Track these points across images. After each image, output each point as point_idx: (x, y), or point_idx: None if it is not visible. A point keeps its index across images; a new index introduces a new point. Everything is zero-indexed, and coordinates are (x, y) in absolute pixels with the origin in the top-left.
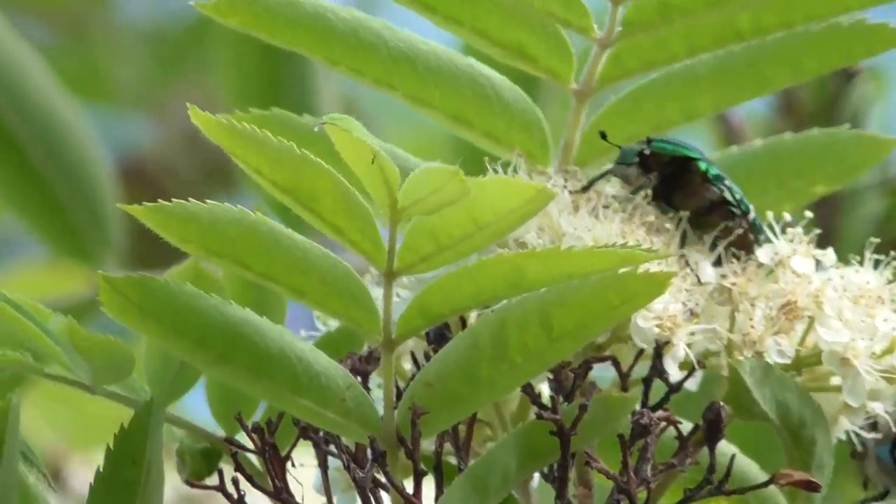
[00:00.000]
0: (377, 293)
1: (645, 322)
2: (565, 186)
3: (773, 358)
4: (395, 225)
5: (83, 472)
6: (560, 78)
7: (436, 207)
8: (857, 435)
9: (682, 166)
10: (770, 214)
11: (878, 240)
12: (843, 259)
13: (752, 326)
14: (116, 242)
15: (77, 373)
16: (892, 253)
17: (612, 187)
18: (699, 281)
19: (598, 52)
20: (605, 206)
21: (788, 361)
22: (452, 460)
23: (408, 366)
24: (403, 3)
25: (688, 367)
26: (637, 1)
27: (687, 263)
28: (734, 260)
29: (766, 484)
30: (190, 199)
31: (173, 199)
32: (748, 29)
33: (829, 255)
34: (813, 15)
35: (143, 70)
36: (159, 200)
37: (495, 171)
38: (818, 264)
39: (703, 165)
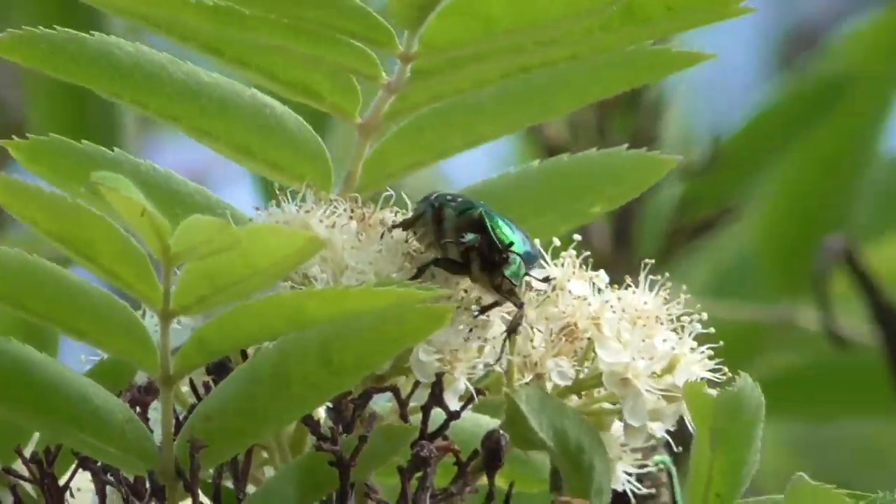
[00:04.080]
0: (154, 328)
1: (426, 356)
2: (351, 217)
3: (554, 380)
4: (168, 269)
5: None
6: (345, 113)
7: (207, 255)
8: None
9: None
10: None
11: (652, 260)
12: (638, 248)
13: (533, 348)
14: None
15: None
16: (667, 274)
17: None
18: (481, 313)
19: (386, 95)
20: (389, 239)
21: (570, 383)
22: (230, 484)
23: (185, 388)
24: (194, 47)
25: (468, 397)
26: (427, 58)
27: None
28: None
29: None
30: None
31: None
32: (536, 63)
33: (601, 276)
34: (601, 48)
35: None
36: None
37: (283, 200)
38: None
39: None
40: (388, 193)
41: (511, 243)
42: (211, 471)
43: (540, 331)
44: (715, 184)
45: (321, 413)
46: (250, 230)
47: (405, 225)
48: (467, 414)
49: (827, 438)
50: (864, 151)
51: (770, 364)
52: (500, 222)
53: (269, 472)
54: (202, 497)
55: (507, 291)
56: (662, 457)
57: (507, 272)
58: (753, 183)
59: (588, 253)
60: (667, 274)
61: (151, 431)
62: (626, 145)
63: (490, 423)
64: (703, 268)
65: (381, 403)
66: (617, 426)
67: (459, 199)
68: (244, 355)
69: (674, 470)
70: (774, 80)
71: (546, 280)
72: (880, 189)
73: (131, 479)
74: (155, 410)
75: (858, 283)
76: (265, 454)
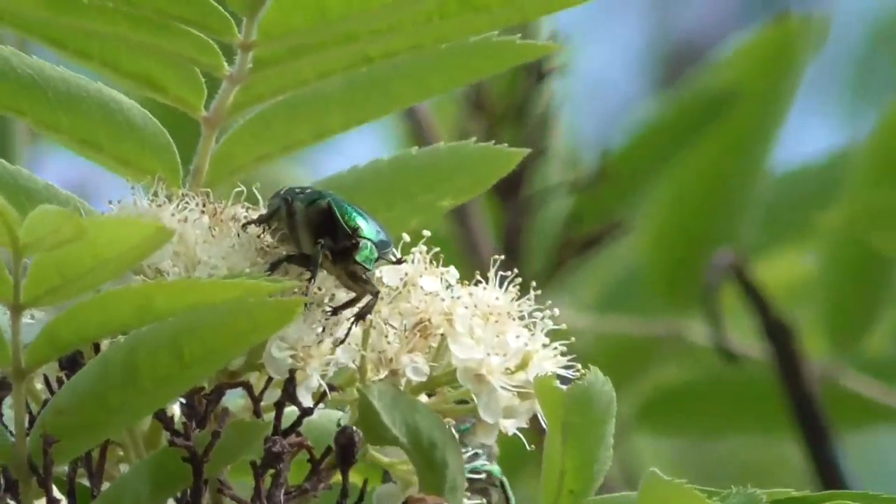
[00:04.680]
0: (6, 322)
1: (279, 352)
2: (203, 212)
3: (409, 376)
4: (18, 260)
5: None
6: (190, 106)
7: (56, 245)
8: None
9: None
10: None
11: (501, 256)
12: (526, 262)
13: (388, 343)
14: None
15: None
16: (515, 270)
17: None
18: (333, 311)
19: (229, 87)
20: (242, 234)
21: (424, 379)
22: (86, 481)
23: (40, 385)
24: (34, 38)
25: (321, 394)
26: (266, 46)
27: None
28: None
29: None
30: None
31: None
32: (378, 54)
33: (451, 272)
34: (442, 38)
35: None
36: None
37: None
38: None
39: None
40: (238, 189)
41: (359, 228)
42: (66, 468)
43: (394, 327)
44: (603, 198)
45: (175, 411)
46: (97, 220)
47: (259, 221)
48: (321, 411)
49: (714, 454)
50: (750, 166)
51: (659, 379)
52: (349, 209)
53: (124, 469)
54: (57, 494)
55: (361, 280)
56: (492, 467)
57: (358, 257)
58: (641, 197)
59: (438, 249)
60: (515, 270)
61: (6, 427)
62: (473, 139)
63: (343, 418)
64: (592, 282)
65: (235, 401)
66: None
67: (308, 191)
68: (97, 349)
69: (505, 480)
70: (658, 95)
71: (399, 261)
72: (768, 203)
73: None
74: (11, 410)
75: (747, 297)
76: (121, 452)
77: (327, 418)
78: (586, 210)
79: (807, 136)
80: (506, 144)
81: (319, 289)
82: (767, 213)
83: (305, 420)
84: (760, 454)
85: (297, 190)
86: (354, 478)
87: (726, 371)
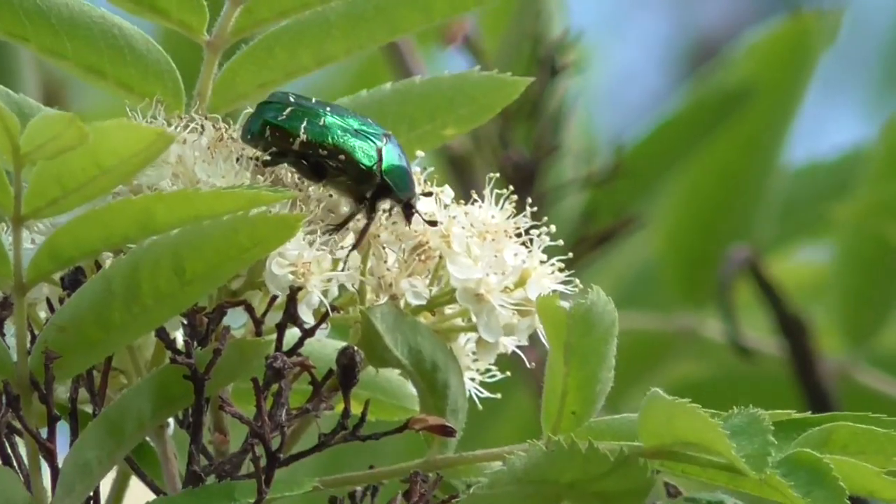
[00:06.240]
0: (7, 239)
1: (279, 269)
2: (202, 133)
3: (409, 300)
4: (19, 170)
5: None
6: (192, 30)
7: (57, 152)
8: None
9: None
10: None
11: (497, 175)
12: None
13: (388, 269)
14: None
15: None
16: (511, 188)
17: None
18: (337, 227)
19: (231, 8)
20: (240, 156)
21: (424, 302)
22: (88, 409)
23: (43, 314)
24: None
25: (323, 314)
26: None
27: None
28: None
29: (400, 430)
30: None
31: None
32: None
33: (447, 191)
34: None
35: None
36: None
37: (134, 117)
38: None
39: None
40: (247, 111)
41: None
42: (67, 393)
43: (393, 251)
44: (618, 194)
45: (178, 336)
46: (99, 126)
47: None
48: (324, 339)
49: None
50: (765, 162)
51: (673, 374)
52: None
53: None
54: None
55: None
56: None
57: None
58: (656, 193)
59: (432, 168)
60: (510, 187)
61: (8, 348)
62: (477, 67)
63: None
64: (607, 278)
65: (237, 328)
66: (462, 337)
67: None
68: (98, 267)
69: None
70: (677, 91)
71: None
72: (783, 199)
73: None
74: (13, 338)
75: (762, 293)
76: (124, 379)
77: (331, 348)
78: (601, 206)
79: (834, 129)
80: (510, 73)
81: (317, 202)
82: (782, 209)
83: (306, 344)
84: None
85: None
86: (354, 407)
87: (741, 367)
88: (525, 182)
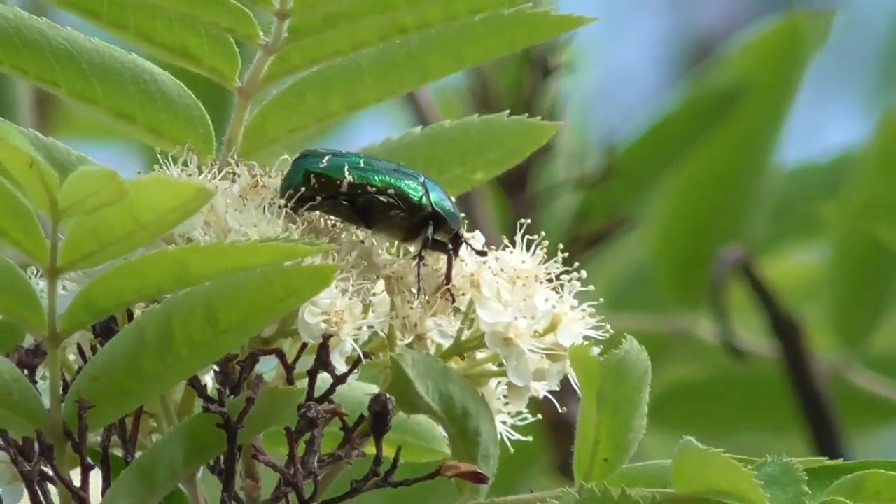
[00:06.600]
0: (42, 286)
1: (312, 318)
2: (234, 180)
3: (435, 339)
4: (56, 224)
5: None
6: (225, 77)
7: (95, 208)
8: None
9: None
10: None
11: (528, 220)
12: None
13: (412, 309)
14: None
15: None
16: (543, 233)
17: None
18: (375, 274)
19: (264, 57)
20: (272, 203)
21: (450, 341)
22: (120, 453)
23: (72, 357)
24: (68, 8)
25: (354, 360)
26: (302, 14)
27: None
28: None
29: (431, 476)
30: None
31: None
32: (412, 24)
33: (477, 236)
34: (477, 8)
35: None
36: None
37: (166, 165)
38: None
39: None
40: (283, 157)
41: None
42: (99, 438)
43: (414, 292)
44: (610, 194)
45: (208, 381)
46: (138, 182)
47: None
48: (354, 382)
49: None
50: (758, 163)
51: (667, 376)
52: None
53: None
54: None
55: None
56: None
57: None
58: (649, 193)
59: (463, 215)
60: (543, 233)
61: (40, 394)
62: (507, 112)
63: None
64: (600, 278)
65: (268, 371)
66: (493, 381)
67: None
68: (130, 317)
69: None
70: (672, 91)
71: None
72: (776, 200)
73: (19, 440)
74: (44, 380)
75: (755, 294)
76: (154, 423)
77: (360, 391)
78: (594, 206)
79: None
80: (539, 118)
81: (349, 253)
82: (776, 210)
83: (337, 391)
84: (769, 451)
85: (328, 155)
86: (387, 450)
87: (734, 368)
88: (518, 183)
